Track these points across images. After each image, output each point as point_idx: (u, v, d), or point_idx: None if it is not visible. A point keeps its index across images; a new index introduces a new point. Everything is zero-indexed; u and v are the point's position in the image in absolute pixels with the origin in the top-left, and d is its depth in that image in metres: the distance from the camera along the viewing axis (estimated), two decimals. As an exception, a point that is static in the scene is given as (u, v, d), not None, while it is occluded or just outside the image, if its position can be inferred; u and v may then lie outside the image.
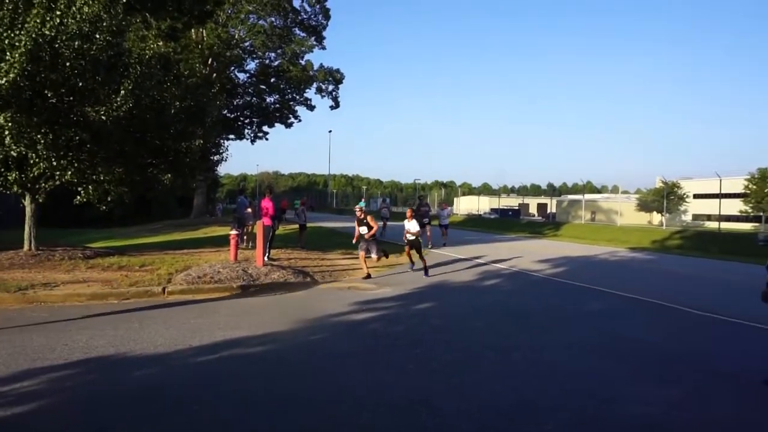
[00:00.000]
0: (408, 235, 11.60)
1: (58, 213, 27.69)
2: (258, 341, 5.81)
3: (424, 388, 4.48)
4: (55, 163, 10.16)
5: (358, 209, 11.58)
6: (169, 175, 11.81)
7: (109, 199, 11.32)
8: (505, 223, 38.39)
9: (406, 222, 11.68)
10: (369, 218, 11.01)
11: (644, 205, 70.90)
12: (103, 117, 9.86)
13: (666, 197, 52.69)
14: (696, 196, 67.44)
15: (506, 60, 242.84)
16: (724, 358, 5.72)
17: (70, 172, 10.41)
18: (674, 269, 13.94)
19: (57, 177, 10.63)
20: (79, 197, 10.93)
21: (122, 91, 9.90)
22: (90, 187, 10.86)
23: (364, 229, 11.01)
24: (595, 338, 6.36)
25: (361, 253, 10.94)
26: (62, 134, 10.02)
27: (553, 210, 66.65)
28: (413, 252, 11.75)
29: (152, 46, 11.77)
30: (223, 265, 10.20)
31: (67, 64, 9.66)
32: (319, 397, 4.22)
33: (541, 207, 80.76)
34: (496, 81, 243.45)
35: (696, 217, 67.15)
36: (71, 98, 9.92)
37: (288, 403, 4.06)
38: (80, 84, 9.73)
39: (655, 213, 69.10)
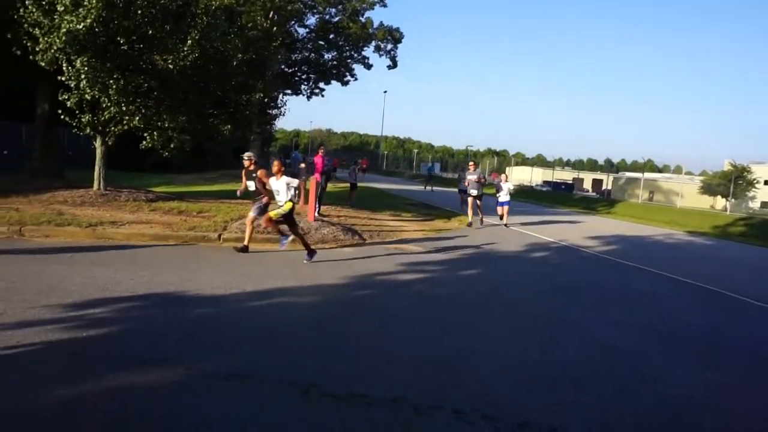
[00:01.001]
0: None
1: (121, 157, 28.99)
2: (306, 292, 6.06)
3: (466, 350, 4.59)
4: (124, 108, 10.65)
5: (246, 158, 8.83)
6: (229, 126, 12.15)
7: (172, 145, 11.79)
8: (558, 196, 37.52)
9: (273, 179, 8.10)
10: (261, 173, 8.48)
11: (708, 188, 67.33)
12: (170, 66, 10.19)
13: (734, 181, 49.85)
14: (767, 183, 63.46)
15: (576, 26, 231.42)
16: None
17: (137, 118, 10.88)
18: (733, 256, 13.37)
19: (126, 122, 11.13)
20: (144, 142, 11.44)
21: (189, 41, 10.17)
22: (155, 133, 11.33)
23: (251, 185, 8.62)
24: (643, 317, 6.27)
25: (250, 216, 8.44)
26: (132, 80, 10.44)
27: (609, 187, 64.27)
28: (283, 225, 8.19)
29: (218, -3, 11.96)
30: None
31: (139, 12, 9.98)
32: (363, 350, 4.41)
33: (597, 183, 78.08)
34: (561, 48, 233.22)
35: (765, 204, 63.37)
36: (141, 46, 10.28)
37: (331, 353, 4.26)
38: (150, 32, 10.06)
39: (719, 197, 65.59)
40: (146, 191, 13.69)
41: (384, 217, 14.56)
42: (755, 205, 65.14)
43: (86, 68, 9.51)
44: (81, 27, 8.97)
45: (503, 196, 15.10)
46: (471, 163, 15.99)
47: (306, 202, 12.31)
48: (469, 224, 13.97)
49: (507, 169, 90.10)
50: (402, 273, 7.61)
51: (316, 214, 11.63)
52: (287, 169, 17.26)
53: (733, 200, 51.87)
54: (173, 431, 2.91)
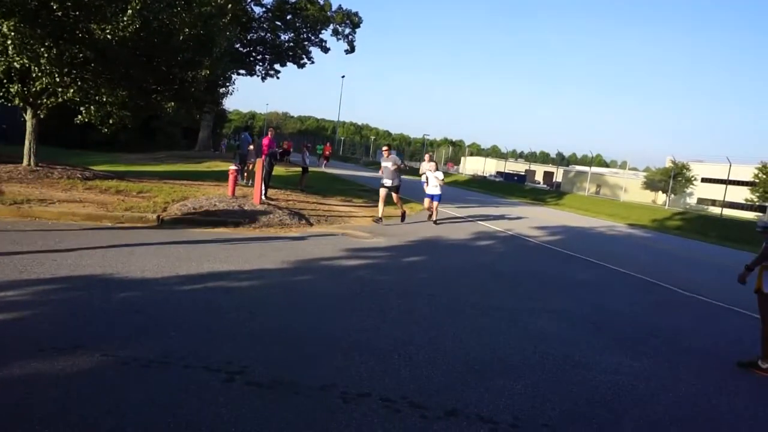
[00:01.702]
0: None
1: (62, 133, 27.54)
2: (243, 276, 5.87)
3: (402, 337, 4.55)
4: (57, 79, 10.01)
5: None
6: (173, 103, 11.64)
7: (110, 121, 11.21)
8: (510, 187, 38.26)
9: None
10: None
11: (651, 184, 70.34)
12: (109, 36, 9.62)
13: (673, 178, 52.18)
14: (704, 180, 66.80)
15: (534, 20, 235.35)
16: (699, 337, 5.78)
17: (72, 90, 10.27)
18: (668, 249, 13.96)
19: (59, 94, 10.48)
20: (80, 116, 10.83)
21: (129, 11, 9.62)
22: (92, 107, 10.74)
23: None
24: (578, 307, 6.41)
25: None
26: (66, 50, 9.83)
27: (559, 179, 66.25)
28: None
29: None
30: (219, 199, 10.21)
31: (75, -24, 9.37)
32: (296, 336, 4.29)
33: (548, 175, 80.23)
34: (520, 41, 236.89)
35: (701, 200, 66.71)
36: (77, 13, 9.66)
37: (263, 340, 4.12)
38: (87, -1, 9.46)
39: (660, 192, 68.64)
40: (83, 168, 13.00)
41: (334, 202, 14.40)
42: (692, 201, 68.54)
43: (13, 33, 8.85)
44: (6, -12, 8.33)
45: (431, 188, 12.76)
46: (385, 147, 12.64)
47: (253, 184, 12.01)
48: (377, 220, 11.48)
49: (462, 158, 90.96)
50: (346, 259, 7.51)
51: (263, 197, 11.36)
52: (237, 151, 16.83)
53: (672, 195, 54.36)
54: (76, 420, 2.71)
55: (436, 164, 13.33)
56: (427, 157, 13.93)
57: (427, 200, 12.88)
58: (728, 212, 32.92)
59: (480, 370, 4.05)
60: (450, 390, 3.61)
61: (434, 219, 12.69)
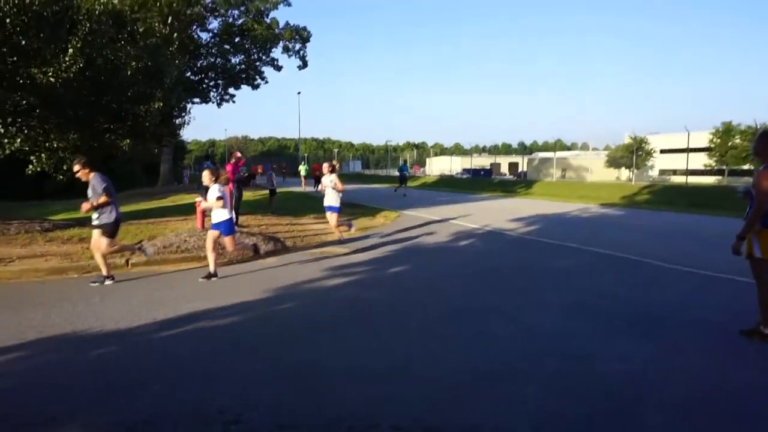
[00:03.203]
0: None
1: (16, 185, 26.53)
2: (225, 313, 5.57)
3: (401, 354, 4.34)
4: (2, 130, 9.51)
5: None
6: (128, 141, 11.22)
7: (64, 167, 10.71)
8: (478, 183, 38.50)
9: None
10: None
11: (613, 162, 71.92)
12: (52, 79, 9.20)
13: (635, 153, 53.45)
14: (662, 151, 68.63)
15: (476, 19, 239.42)
16: (695, 309, 5.73)
17: (20, 140, 9.77)
18: (644, 223, 14.11)
19: (6, 145, 9.96)
20: (31, 166, 10.32)
21: (70, 50, 9.22)
22: (43, 155, 10.24)
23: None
24: (570, 296, 6.31)
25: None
26: (8, 98, 9.34)
27: (525, 168, 67.14)
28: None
29: (103, 1, 10.94)
30: (189, 233, 9.84)
31: (7, 20, 8.92)
32: (290, 371, 4.04)
33: (513, 166, 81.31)
34: (464, 40, 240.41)
35: (662, 172, 68.50)
36: (15, 58, 9.20)
37: (255, 380, 3.85)
38: (23, 42, 9.02)
39: (623, 169, 70.21)
40: (42, 220, 12.41)
41: (307, 221, 14.13)
42: (654, 173, 70.31)
43: (-53, 88, 8.37)
44: (-66, 42, 7.86)
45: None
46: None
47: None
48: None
49: (427, 159, 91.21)
50: (328, 278, 7.27)
51: (234, 226, 11.00)
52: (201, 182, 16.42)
53: (635, 170, 55.61)
54: None
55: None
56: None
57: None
58: (691, 179, 33.80)
59: (487, 377, 3.87)
60: (462, 405, 3.41)
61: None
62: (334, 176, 10.61)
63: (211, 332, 4.98)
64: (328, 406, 3.39)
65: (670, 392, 3.65)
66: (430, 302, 6.04)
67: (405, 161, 29.19)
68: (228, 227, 7.49)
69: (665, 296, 6.38)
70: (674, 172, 62.01)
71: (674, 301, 6.15)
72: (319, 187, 11.00)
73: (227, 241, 7.56)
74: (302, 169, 36.19)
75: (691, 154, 33.32)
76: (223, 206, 7.31)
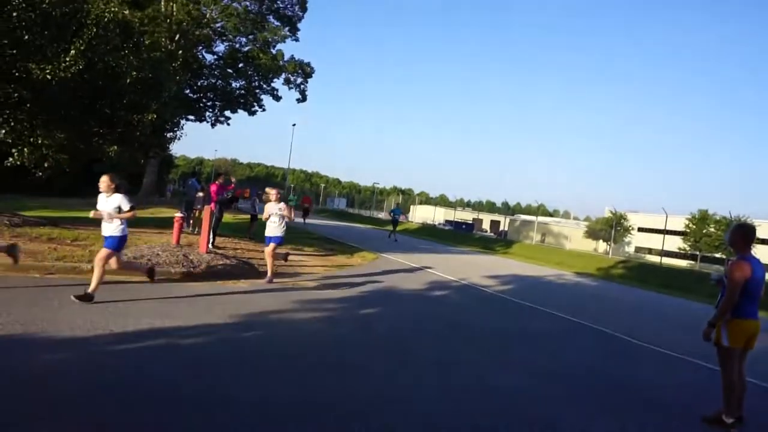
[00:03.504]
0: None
1: (-7, 176, 25.91)
2: (185, 333, 5.39)
3: (357, 400, 4.22)
4: (-13, 119, 9.37)
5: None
6: (116, 147, 11.09)
7: (45, 165, 10.53)
8: (459, 236, 38.72)
9: None
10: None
11: (592, 233, 73.27)
12: (49, 76, 9.14)
13: (614, 227, 54.57)
14: (640, 230, 70.21)
15: (478, 73, 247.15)
16: (660, 389, 5.71)
17: (4, 131, 9.61)
18: (617, 297, 14.25)
19: (-11, 135, 9.79)
20: (12, 159, 10.11)
21: (72, 51, 9.22)
22: (26, 149, 10.05)
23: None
24: (538, 359, 6.26)
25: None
26: (-1, 89, 9.25)
27: (506, 228, 67.92)
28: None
29: (113, 9, 11.05)
30: (163, 247, 9.64)
31: (14, 14, 8.94)
32: (237, 402, 3.88)
33: (494, 224, 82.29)
34: (466, 95, 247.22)
35: (638, 249, 69.88)
36: (14, 51, 9.16)
37: (199, 405, 3.68)
38: (26, 37, 9.01)
39: (601, 241, 71.50)
40: (11, 214, 12.07)
41: (284, 251, 13.95)
42: (630, 249, 71.71)
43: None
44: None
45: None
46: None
47: (199, 232, 11.49)
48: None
49: (411, 207, 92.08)
50: (298, 311, 7.12)
51: (210, 246, 10.84)
52: (184, 198, 16.21)
53: (613, 245, 56.65)
54: None
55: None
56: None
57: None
58: (666, 260, 34.45)
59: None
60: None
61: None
62: (283, 204, 9.56)
63: (166, 351, 4.79)
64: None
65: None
66: (398, 349, 5.94)
67: (398, 205, 28.35)
68: (114, 243, 6.49)
69: (632, 371, 6.36)
70: (650, 251, 63.30)
71: (640, 377, 6.14)
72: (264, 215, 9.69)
73: (114, 259, 6.62)
74: (292, 199, 35.21)
75: (667, 236, 34.15)
76: (120, 223, 6.48)
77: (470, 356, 6.04)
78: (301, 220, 27.92)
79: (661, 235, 32.19)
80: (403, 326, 7.21)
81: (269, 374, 4.57)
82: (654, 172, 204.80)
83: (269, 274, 9.21)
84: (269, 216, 9.52)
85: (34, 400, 3.45)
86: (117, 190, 6.61)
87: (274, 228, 9.51)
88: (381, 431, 3.66)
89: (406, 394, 4.51)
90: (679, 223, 59.52)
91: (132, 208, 6.59)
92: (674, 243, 60.60)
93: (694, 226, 61.89)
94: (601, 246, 71.17)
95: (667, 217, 27.73)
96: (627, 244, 72.16)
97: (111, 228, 6.50)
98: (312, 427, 3.59)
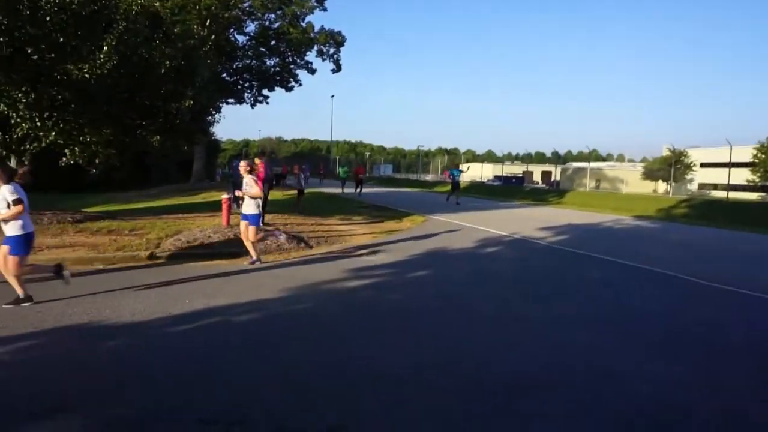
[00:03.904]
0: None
1: (56, 177, 27.36)
2: (241, 309, 5.51)
3: (416, 362, 4.18)
4: (38, 124, 9.75)
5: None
6: (158, 137, 11.37)
7: (97, 161, 10.93)
8: (509, 190, 37.92)
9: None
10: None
11: (650, 174, 70.05)
12: (87, 75, 9.38)
13: (673, 165, 51.89)
14: (703, 165, 66.47)
15: (512, 28, 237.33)
16: (732, 330, 5.40)
17: (54, 133, 10.00)
18: (680, 238, 13.57)
19: (42, 138, 10.21)
20: (65, 158, 10.55)
21: (105, 47, 9.39)
22: (76, 148, 10.45)
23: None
24: (600, 309, 6.04)
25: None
26: (45, 93, 9.58)
27: (558, 178, 65.88)
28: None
29: (140, 2, 11.14)
30: (214, 230, 9.89)
31: (48, 18, 9.15)
32: (300, 373, 3.92)
33: (546, 174, 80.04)
34: (501, 47, 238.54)
35: (702, 186, 66.34)
36: (53, 55, 9.42)
37: (264, 381, 3.75)
38: (62, 39, 9.23)
39: (660, 182, 68.35)
40: (74, 212, 12.70)
41: (333, 222, 14.06)
42: (693, 187, 68.20)
43: (-12, 82, 8.63)
44: (-24, 36, 8.10)
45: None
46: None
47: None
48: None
49: (459, 166, 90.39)
50: (349, 280, 7.15)
51: (260, 224, 11.02)
52: (231, 179, 16.59)
53: (673, 184, 54.00)
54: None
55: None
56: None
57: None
58: (733, 195, 32.53)
59: (506, 391, 3.68)
60: (477, 421, 3.24)
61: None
62: (249, 178, 8.44)
63: (224, 329, 4.91)
64: (334, 414, 3.27)
65: (698, 421, 3.39)
66: (451, 308, 5.86)
67: (457, 165, 26.68)
68: (15, 245, 5.42)
69: (698, 314, 6.04)
70: (715, 187, 59.96)
71: (707, 320, 5.82)
72: (239, 193, 8.66)
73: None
74: (341, 171, 33.84)
75: (733, 169, 32.06)
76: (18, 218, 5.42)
77: (528, 311, 5.89)
78: (352, 190, 27.91)
79: (727, 169, 30.23)
80: (455, 286, 7.12)
81: (319, 344, 4.60)
82: (711, 103, 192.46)
83: (253, 255, 8.21)
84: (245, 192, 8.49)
85: (102, 382, 3.61)
86: (8, 180, 5.41)
87: (247, 205, 8.44)
88: (443, 393, 3.61)
89: (460, 353, 4.43)
90: (746, 153, 55.80)
91: (17, 202, 5.32)
92: (742, 176, 57.05)
93: (763, 156, 57.91)
94: (661, 186, 68.07)
95: (731, 148, 25.93)
96: (689, 182, 68.63)
97: (8, 227, 5.42)
98: (355, 397, 3.59)
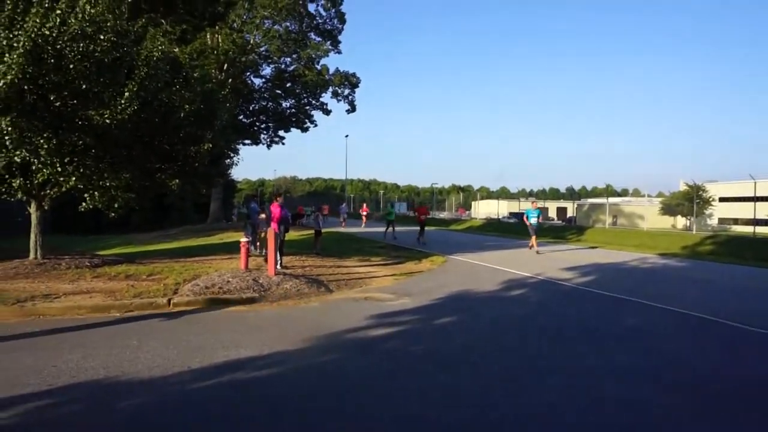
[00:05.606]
0: None
1: (75, 220, 27.67)
2: (262, 363, 5.23)
3: (449, 422, 3.85)
4: (60, 169, 9.76)
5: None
6: (177, 180, 11.34)
7: (116, 205, 10.89)
8: (525, 227, 37.45)
9: None
10: None
11: (668, 209, 69.19)
12: (108, 120, 9.43)
13: (694, 200, 51.13)
14: (722, 200, 65.52)
15: (524, 63, 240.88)
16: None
17: (74, 178, 10.00)
18: (713, 278, 13.06)
19: (62, 183, 10.22)
20: (84, 203, 10.52)
21: (126, 93, 9.46)
22: (96, 193, 10.43)
23: None
24: (642, 360, 5.65)
25: None
26: (66, 139, 9.62)
27: (573, 214, 65.35)
28: None
29: (160, 47, 11.31)
30: (233, 274, 9.69)
31: (71, 66, 9.27)
32: (330, 437, 3.62)
33: (561, 211, 79.52)
34: (514, 84, 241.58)
35: (722, 221, 65.20)
36: (75, 101, 9.51)
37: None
38: (84, 86, 9.32)
39: (679, 217, 67.39)
40: (91, 256, 12.64)
41: (352, 263, 13.81)
42: (713, 221, 67.06)
43: (11, 128, 8.67)
44: (1, 84, 8.17)
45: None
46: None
47: (267, 253, 11.50)
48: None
49: (473, 203, 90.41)
50: (373, 328, 6.84)
51: (278, 267, 10.81)
52: (248, 220, 16.51)
53: (693, 218, 53.09)
54: None
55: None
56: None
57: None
58: (758, 230, 31.74)
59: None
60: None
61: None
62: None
63: (245, 384, 4.63)
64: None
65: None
66: (482, 360, 5.52)
67: (533, 203, 17.68)
68: None
69: (758, 368, 5.61)
70: (735, 221, 58.90)
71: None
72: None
73: None
74: (389, 211, 26.59)
75: (753, 204, 31.33)
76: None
77: (563, 361, 5.52)
78: (398, 235, 23.68)
79: (746, 203, 29.61)
80: (484, 334, 6.77)
81: (346, 401, 4.29)
82: (723, 138, 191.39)
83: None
84: None
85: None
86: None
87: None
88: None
89: (498, 412, 4.09)
90: (764, 188, 54.88)
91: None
92: (762, 210, 55.94)
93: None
94: (680, 221, 67.06)
95: (755, 183, 25.49)
96: (708, 217, 67.51)
97: None
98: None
